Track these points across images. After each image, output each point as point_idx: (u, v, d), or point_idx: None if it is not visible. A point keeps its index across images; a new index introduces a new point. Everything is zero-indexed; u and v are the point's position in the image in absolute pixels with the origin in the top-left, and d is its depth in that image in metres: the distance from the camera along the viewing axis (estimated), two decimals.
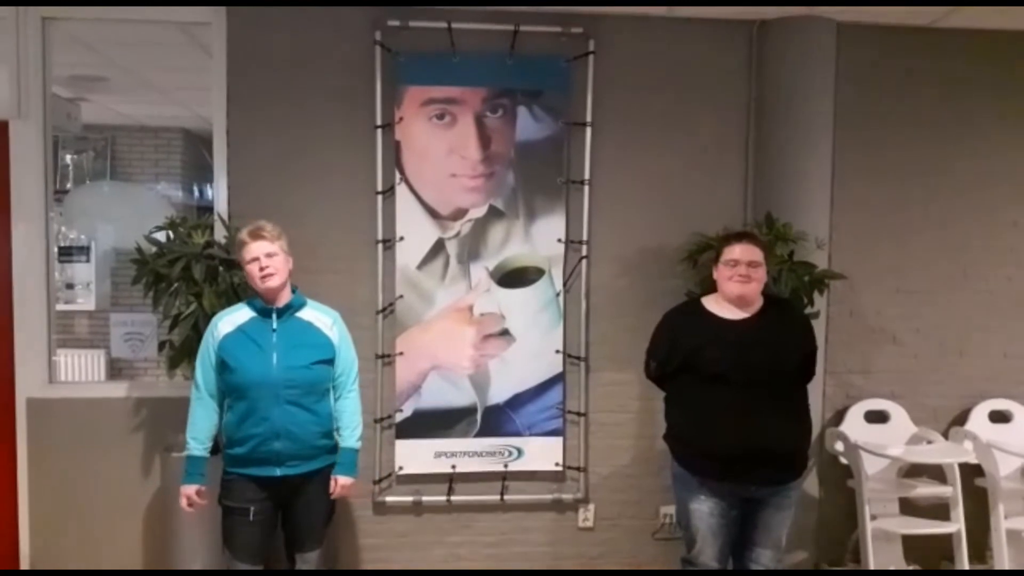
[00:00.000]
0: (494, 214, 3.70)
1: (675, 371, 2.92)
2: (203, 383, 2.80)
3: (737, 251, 2.84)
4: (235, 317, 2.81)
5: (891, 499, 3.75)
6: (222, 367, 2.75)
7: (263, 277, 2.74)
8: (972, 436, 3.73)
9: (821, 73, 3.69)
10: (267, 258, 2.74)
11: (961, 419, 3.95)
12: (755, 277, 2.82)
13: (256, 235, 2.77)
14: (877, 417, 3.88)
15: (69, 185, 6.11)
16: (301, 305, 2.86)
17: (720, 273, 2.88)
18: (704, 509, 2.86)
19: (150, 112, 5.88)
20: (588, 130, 3.71)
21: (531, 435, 3.76)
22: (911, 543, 3.73)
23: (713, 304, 2.92)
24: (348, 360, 2.92)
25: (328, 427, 2.85)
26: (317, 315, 2.88)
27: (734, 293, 2.83)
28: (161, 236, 3.36)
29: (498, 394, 3.73)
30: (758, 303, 2.88)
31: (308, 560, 2.87)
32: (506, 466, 3.76)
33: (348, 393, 2.91)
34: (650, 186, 3.78)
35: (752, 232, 3.20)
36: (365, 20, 3.58)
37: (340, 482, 2.89)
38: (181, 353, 3.24)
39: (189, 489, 2.81)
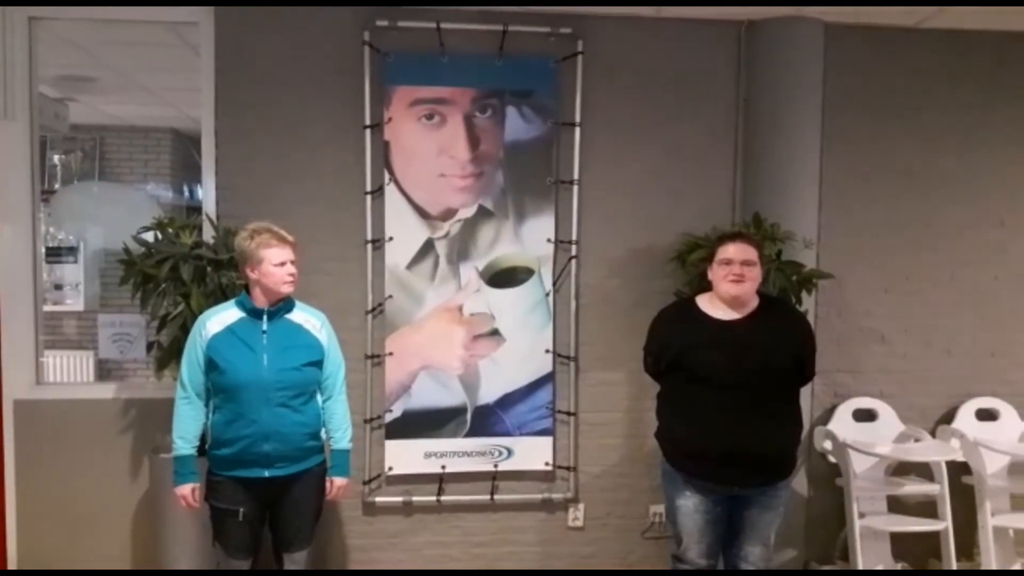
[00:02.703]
0: (483, 214, 3.70)
1: (666, 369, 2.93)
2: (190, 383, 2.79)
3: (731, 250, 2.84)
4: (223, 317, 2.79)
5: (879, 497, 3.77)
6: (210, 367, 2.74)
7: (288, 283, 2.77)
8: (959, 434, 3.75)
9: (808, 73, 3.70)
10: (291, 265, 2.78)
11: (948, 417, 3.97)
12: (749, 276, 2.82)
13: (284, 240, 2.79)
14: (865, 415, 3.90)
15: (57, 185, 6.08)
16: (291, 307, 2.85)
17: (715, 273, 2.89)
18: (689, 506, 2.87)
19: (139, 112, 5.86)
20: (577, 130, 3.71)
21: (521, 435, 3.76)
22: (899, 541, 3.74)
23: (707, 304, 2.92)
24: (336, 362, 2.92)
25: (316, 428, 2.84)
26: (306, 317, 2.88)
27: (729, 294, 2.83)
28: (150, 237, 3.34)
29: (488, 394, 3.73)
30: (753, 303, 2.88)
31: (296, 560, 2.86)
32: (496, 466, 3.76)
33: (337, 395, 2.91)
34: (639, 186, 3.79)
35: (746, 232, 3.21)
36: (353, 20, 3.58)
37: (336, 483, 2.91)
38: (169, 354, 3.23)
39: (185, 489, 2.80)
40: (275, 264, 2.75)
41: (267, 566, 3.03)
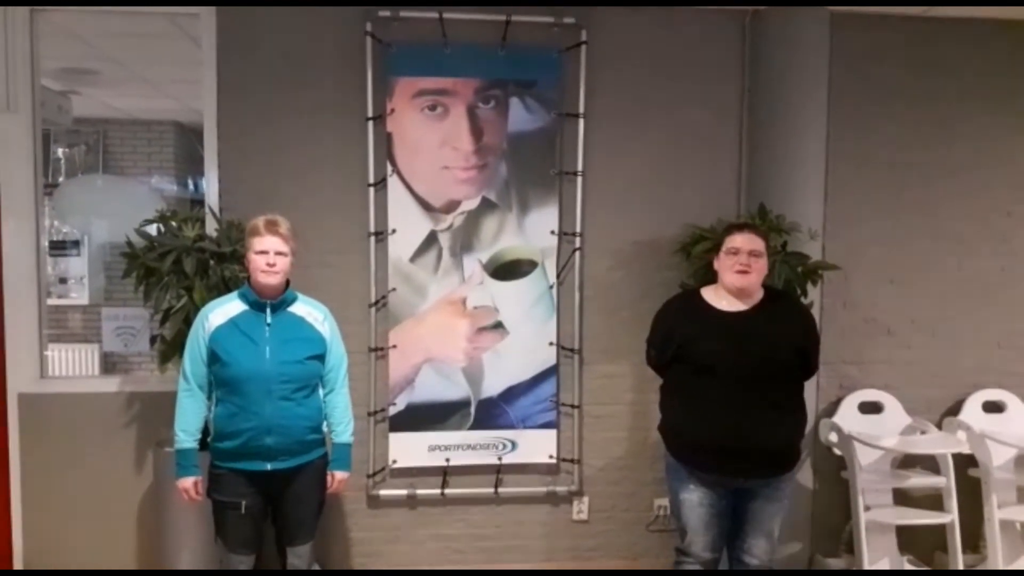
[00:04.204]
0: (487, 206, 3.68)
1: (670, 361, 2.91)
2: (192, 375, 2.78)
3: (739, 240, 2.83)
4: (227, 309, 2.78)
5: (885, 490, 3.75)
6: (213, 359, 2.74)
7: (265, 272, 2.73)
8: (965, 426, 3.73)
9: (814, 62, 3.67)
10: (276, 255, 2.74)
11: (955, 409, 3.95)
12: (755, 267, 2.80)
13: (273, 229, 2.75)
14: (871, 408, 3.88)
15: (61, 179, 6.08)
16: (293, 299, 2.85)
17: (721, 263, 2.87)
18: (694, 499, 2.86)
19: (141, 105, 5.85)
20: (581, 121, 3.69)
21: (525, 428, 3.75)
22: (905, 534, 3.73)
23: (711, 295, 2.90)
24: (338, 355, 2.91)
25: (317, 421, 2.84)
26: (309, 310, 2.87)
27: (735, 285, 2.81)
28: (153, 230, 3.34)
29: (492, 387, 3.72)
30: (758, 295, 2.86)
31: (299, 554, 2.86)
32: (500, 459, 3.75)
33: (339, 388, 2.91)
34: (643, 177, 3.77)
35: (753, 224, 3.19)
36: (356, 10, 3.56)
37: (337, 477, 2.91)
38: (173, 347, 3.22)
39: (187, 482, 2.80)
40: (255, 252, 2.74)
41: (270, 563, 3.02)
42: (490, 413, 3.73)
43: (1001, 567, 3.63)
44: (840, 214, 3.82)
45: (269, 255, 2.73)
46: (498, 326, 3.71)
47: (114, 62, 4.68)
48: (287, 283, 2.84)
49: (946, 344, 3.97)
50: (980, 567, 3.76)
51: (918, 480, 3.71)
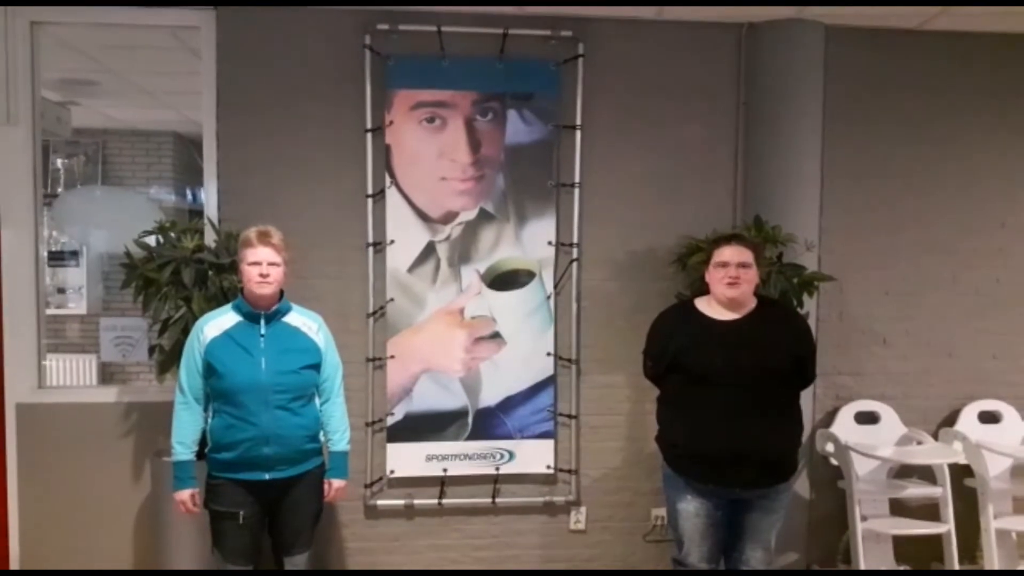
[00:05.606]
0: (484, 217, 3.70)
1: (665, 371, 2.92)
2: (188, 387, 2.79)
3: (727, 253, 2.85)
4: (221, 321, 2.80)
5: (881, 500, 3.76)
6: (209, 372, 2.75)
7: (258, 283, 2.74)
8: (962, 437, 3.74)
9: (810, 76, 3.70)
10: (269, 266, 2.75)
11: (951, 420, 3.96)
12: (745, 279, 2.82)
13: (265, 240, 2.76)
14: (867, 418, 3.89)
15: (60, 189, 6.10)
16: (287, 310, 2.86)
17: (711, 275, 2.89)
18: (690, 509, 2.87)
19: (141, 116, 5.88)
20: (578, 133, 3.72)
21: (522, 438, 3.76)
22: (901, 544, 3.74)
23: (705, 305, 2.93)
24: (333, 364, 2.93)
25: (315, 430, 2.85)
26: (303, 320, 2.88)
27: (725, 296, 2.84)
28: (152, 240, 3.35)
29: (489, 397, 3.73)
30: (750, 304, 2.88)
31: (297, 563, 2.87)
32: (497, 469, 3.76)
33: (335, 397, 2.92)
34: (640, 189, 3.79)
35: (742, 234, 3.21)
36: (354, 24, 3.59)
37: (334, 485, 2.92)
38: (171, 357, 3.23)
39: (184, 494, 2.80)
40: (248, 264, 2.76)
41: (268, 568, 3.02)
42: (488, 423, 3.74)
43: None
44: (835, 226, 3.84)
45: (262, 266, 2.74)
46: (496, 336, 3.72)
47: (114, 73, 4.71)
48: (281, 293, 2.85)
49: (941, 354, 3.99)
50: None
51: (914, 490, 3.72)
